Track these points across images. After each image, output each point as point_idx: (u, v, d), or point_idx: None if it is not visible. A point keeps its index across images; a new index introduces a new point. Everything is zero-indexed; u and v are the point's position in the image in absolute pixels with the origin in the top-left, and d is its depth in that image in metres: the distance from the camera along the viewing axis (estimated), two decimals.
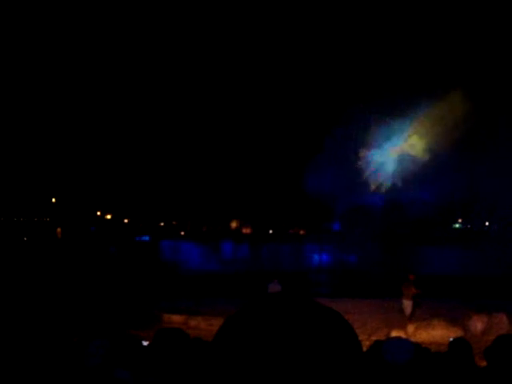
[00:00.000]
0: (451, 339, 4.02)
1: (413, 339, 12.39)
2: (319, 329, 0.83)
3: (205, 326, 14.66)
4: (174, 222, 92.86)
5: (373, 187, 59.16)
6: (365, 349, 8.05)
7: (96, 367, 3.75)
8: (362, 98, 57.33)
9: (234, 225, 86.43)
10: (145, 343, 5.08)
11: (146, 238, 69.53)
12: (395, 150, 59.90)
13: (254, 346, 0.81)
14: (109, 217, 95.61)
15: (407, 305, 16.94)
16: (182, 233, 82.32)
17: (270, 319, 0.83)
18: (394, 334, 13.32)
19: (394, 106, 57.08)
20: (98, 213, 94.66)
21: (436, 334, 13.92)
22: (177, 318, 16.07)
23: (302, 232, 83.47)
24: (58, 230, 79.74)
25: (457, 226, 77.86)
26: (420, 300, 17.11)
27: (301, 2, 77.78)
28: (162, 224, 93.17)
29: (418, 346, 1.94)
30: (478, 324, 14.70)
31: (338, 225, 70.26)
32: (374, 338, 11.64)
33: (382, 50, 63.66)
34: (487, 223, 73.52)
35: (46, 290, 21.26)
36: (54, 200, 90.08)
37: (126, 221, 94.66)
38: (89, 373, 4.23)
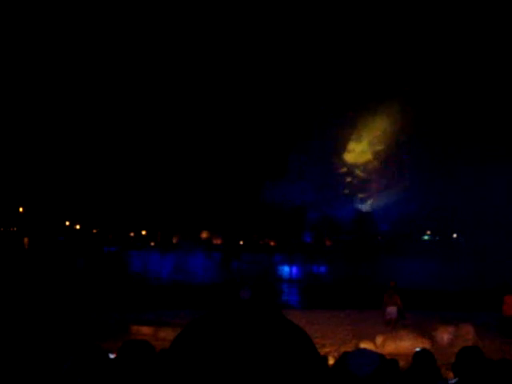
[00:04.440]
0: (417, 349, 4.06)
1: (381, 350, 12.48)
2: (275, 339, 0.83)
3: (174, 337, 14.51)
4: (143, 233, 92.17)
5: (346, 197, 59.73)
6: (333, 360, 8.06)
7: (61, 380, 3.68)
8: (328, 110, 58.14)
9: (204, 235, 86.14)
10: (111, 356, 5.01)
11: (115, 249, 68.88)
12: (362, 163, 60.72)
13: (207, 354, 0.80)
14: (78, 227, 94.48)
15: (392, 311, 17.20)
16: (152, 243, 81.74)
17: (226, 327, 0.83)
18: (363, 345, 13.39)
19: (358, 120, 57.99)
20: (67, 223, 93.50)
21: (404, 345, 14.03)
22: (145, 330, 15.91)
23: (272, 243, 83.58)
24: (25, 240, 78.45)
25: (425, 237, 78.79)
26: (403, 308, 17.42)
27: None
28: (132, 234, 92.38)
29: (382, 357, 1.95)
30: (444, 335, 14.88)
31: (308, 236, 70.60)
32: (342, 350, 11.69)
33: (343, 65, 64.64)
34: (455, 235, 74.59)
35: (12, 300, 20.89)
36: (21, 209, 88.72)
37: (94, 231, 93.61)
38: None
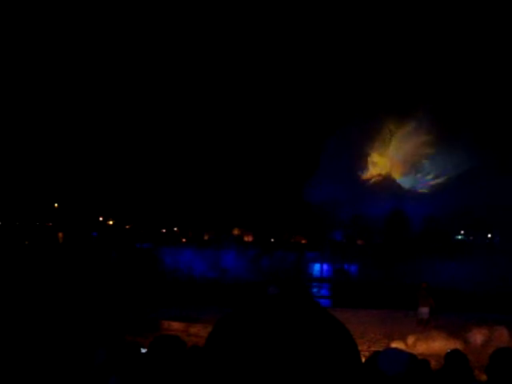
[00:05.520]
0: (448, 351, 4.01)
1: (412, 351, 12.34)
2: (315, 332, 0.81)
3: (205, 333, 14.59)
4: (175, 229, 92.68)
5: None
6: (363, 360, 8.05)
7: (94, 373, 3.75)
8: (361, 106, 57.84)
9: (235, 232, 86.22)
10: (143, 350, 5.07)
11: (147, 245, 69.43)
12: (395, 162, 60.18)
13: (245, 348, 0.78)
14: (111, 222, 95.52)
15: (424, 311, 17.15)
16: (184, 240, 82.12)
17: (262, 321, 0.81)
18: (394, 345, 13.27)
19: (391, 118, 57.53)
20: (100, 218, 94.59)
21: (436, 345, 13.86)
22: (177, 325, 16.06)
23: (303, 241, 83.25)
24: (60, 234, 79.69)
25: (459, 237, 77.48)
26: (435, 308, 17.33)
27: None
28: (164, 231, 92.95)
29: (414, 357, 1.94)
30: (478, 336, 14.64)
31: (339, 234, 70.10)
32: (373, 349, 11.60)
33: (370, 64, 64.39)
34: (489, 235, 73.22)
35: (48, 294, 21.24)
36: (56, 205, 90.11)
37: (127, 227, 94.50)
38: (86, 379, 4.22)
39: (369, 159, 60.32)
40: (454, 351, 4.14)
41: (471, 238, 76.26)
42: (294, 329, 0.80)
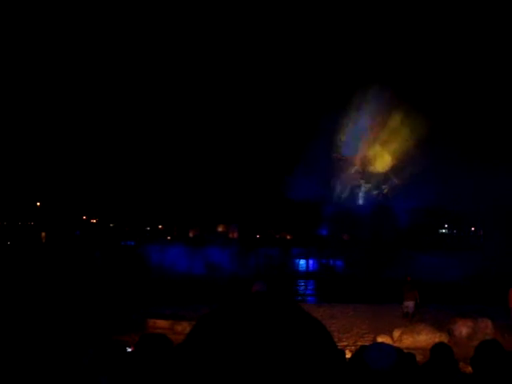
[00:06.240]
0: (434, 344, 4.05)
1: (398, 344, 12.43)
2: (292, 330, 0.81)
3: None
4: (160, 227, 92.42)
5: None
6: (350, 354, 8.07)
7: (81, 374, 3.72)
8: (343, 101, 58.15)
9: (220, 229, 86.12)
10: (129, 349, 5.04)
11: (132, 243, 69.15)
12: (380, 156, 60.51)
13: (225, 346, 0.79)
14: (94, 221, 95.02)
15: (410, 305, 17.35)
16: (169, 237, 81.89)
17: (242, 319, 0.82)
18: (380, 339, 13.35)
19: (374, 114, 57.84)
20: (84, 217, 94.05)
21: (421, 338, 13.98)
22: (162, 323, 15.99)
23: (288, 237, 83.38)
24: (43, 234, 79.07)
25: (443, 231, 78.13)
26: (420, 302, 17.53)
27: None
28: (148, 228, 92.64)
29: (400, 351, 1.95)
30: (462, 329, 14.76)
31: (325, 230, 70.36)
32: (360, 344, 11.66)
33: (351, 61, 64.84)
34: (473, 228, 73.94)
35: (31, 294, 21.09)
36: (38, 204, 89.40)
37: (111, 225, 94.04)
38: (74, 380, 4.19)
39: (354, 154, 60.53)
40: (440, 344, 4.17)
41: (455, 231, 76.98)
42: (271, 328, 0.80)
